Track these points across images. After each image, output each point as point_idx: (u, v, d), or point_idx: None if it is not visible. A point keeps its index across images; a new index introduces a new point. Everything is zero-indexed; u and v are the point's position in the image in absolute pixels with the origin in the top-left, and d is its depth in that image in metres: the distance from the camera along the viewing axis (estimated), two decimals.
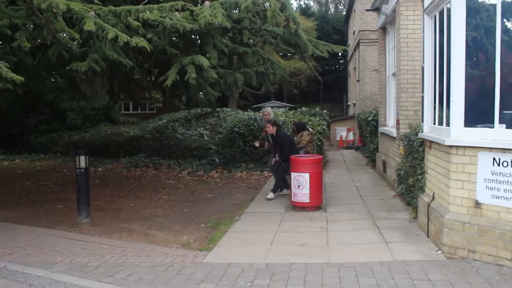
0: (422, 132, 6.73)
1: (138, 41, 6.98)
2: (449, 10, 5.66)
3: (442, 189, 5.71)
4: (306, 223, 7.23)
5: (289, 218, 7.58)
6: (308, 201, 7.92)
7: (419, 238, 6.17)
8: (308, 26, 30.86)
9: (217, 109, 16.49)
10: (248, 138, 13.61)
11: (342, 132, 22.06)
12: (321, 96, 38.52)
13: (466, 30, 5.46)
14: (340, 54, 34.61)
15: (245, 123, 13.82)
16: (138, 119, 24.86)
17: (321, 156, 9.06)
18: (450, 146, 5.33)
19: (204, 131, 16.88)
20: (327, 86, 37.81)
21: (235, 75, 10.18)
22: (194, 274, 5.07)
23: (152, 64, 11.26)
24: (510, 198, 4.91)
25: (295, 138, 10.19)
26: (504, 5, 5.16)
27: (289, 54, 28.04)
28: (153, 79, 12.61)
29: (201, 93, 11.29)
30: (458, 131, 5.38)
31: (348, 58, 29.03)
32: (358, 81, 22.39)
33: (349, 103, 28.96)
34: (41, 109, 20.23)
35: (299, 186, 7.95)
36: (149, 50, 7.46)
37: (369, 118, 13.79)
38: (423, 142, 6.74)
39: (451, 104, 5.46)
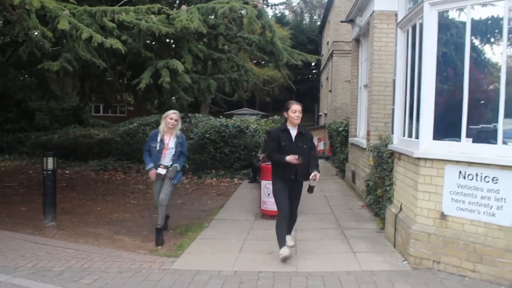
0: (392, 143, 6.84)
1: (113, 42, 6.90)
2: (421, 25, 5.79)
3: (409, 200, 5.81)
4: (275, 231, 7.22)
5: (258, 226, 7.59)
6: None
7: (386, 249, 6.25)
8: (283, 35, 31.00)
9: (189, 115, 16.40)
10: (219, 145, 13.60)
11: None
12: None
13: (437, 46, 5.60)
14: (313, 64, 34.96)
15: (217, 129, 13.81)
16: (109, 121, 24.53)
17: None
18: (419, 158, 5.44)
19: None
20: (299, 95, 37.93)
21: (208, 81, 10.14)
22: (161, 281, 5.02)
23: (126, 67, 11.13)
24: (474, 210, 5.03)
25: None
26: (473, 23, 5.30)
27: (263, 62, 28.17)
28: (125, 82, 12.47)
29: (173, 97, 11.22)
30: (426, 144, 5.49)
31: (321, 68, 29.30)
32: (330, 91, 22.61)
33: (320, 113, 29.20)
34: (8, 107, 19.76)
35: (269, 195, 7.94)
36: (123, 52, 7.38)
37: (340, 129, 13.93)
38: (392, 153, 6.85)
39: (421, 117, 5.58)
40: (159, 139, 6.63)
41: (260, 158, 11.32)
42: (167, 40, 9.93)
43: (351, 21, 12.13)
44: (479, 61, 5.83)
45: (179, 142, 6.74)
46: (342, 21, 14.32)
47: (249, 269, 5.44)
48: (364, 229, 7.35)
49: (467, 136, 5.32)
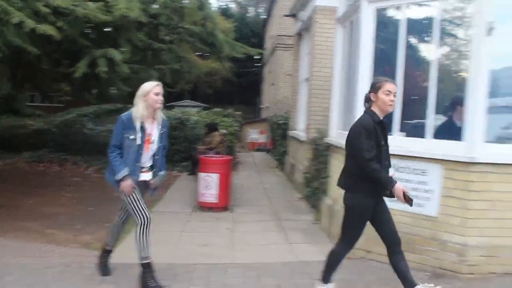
0: (329, 137, 6.97)
1: (46, 28, 6.67)
2: (359, 21, 5.90)
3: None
4: (212, 224, 7.22)
5: (195, 218, 7.54)
6: (216, 201, 7.92)
7: (321, 239, 6.37)
8: (227, 27, 30.92)
9: (130, 106, 16.07)
10: None
11: (254, 134, 22.36)
12: (235, 97, 38.78)
13: (375, 42, 5.74)
14: (257, 57, 35.12)
15: None
16: (46, 111, 23.58)
17: (230, 157, 9.11)
18: None
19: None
20: (242, 88, 38.15)
21: (149, 71, 9.98)
22: (93, 275, 4.87)
23: (62, 54, 10.75)
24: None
25: (207, 139, 10.16)
26: (409, 21, 5.49)
27: (206, 54, 28.01)
28: (62, 70, 12.04)
29: (114, 88, 10.97)
30: None
31: (265, 61, 29.47)
32: (272, 84, 22.78)
33: (262, 106, 29.38)
34: None
35: (207, 186, 7.93)
36: (58, 39, 7.13)
37: (280, 122, 14.06)
38: (328, 146, 6.98)
39: (355, 111, 5.70)
40: (138, 127, 4.40)
41: (199, 150, 11.25)
42: (107, 29, 9.67)
43: (294, 15, 12.23)
44: (414, 59, 6.04)
45: (164, 131, 4.66)
46: (285, 15, 14.40)
47: (185, 261, 5.39)
48: (302, 220, 7.46)
49: (401, 130, 5.49)
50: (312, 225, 7.14)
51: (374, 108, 3.94)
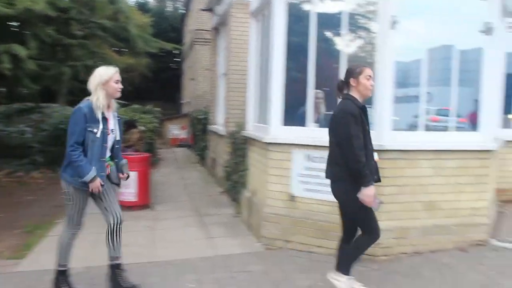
0: (246, 130, 7.03)
1: None
2: (271, 14, 5.97)
3: (261, 184, 6.02)
4: (132, 223, 7.04)
5: None
6: (135, 200, 7.75)
7: (242, 232, 6.42)
8: (145, 22, 30.18)
9: (42, 105, 15.34)
10: None
11: (175, 130, 22.13)
12: (155, 93, 38.07)
13: (288, 35, 5.83)
14: (176, 52, 34.67)
15: None
16: None
17: (149, 154, 8.93)
18: (268, 143, 5.65)
19: (26, 128, 15.54)
20: (162, 83, 37.52)
21: (61, 68, 9.57)
22: (2, 286, 4.61)
23: None
24: (320, 190, 5.34)
25: (125, 136, 9.92)
26: (321, 15, 5.65)
27: (123, 50, 27.26)
28: None
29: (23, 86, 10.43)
30: (276, 130, 5.72)
31: (184, 56, 29.18)
32: (192, 79, 22.61)
33: (183, 101, 29.11)
34: None
35: (125, 185, 7.72)
36: None
37: (200, 117, 14.00)
38: (246, 139, 7.04)
39: (270, 104, 5.79)
40: (100, 118, 4.05)
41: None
42: (11, 23, 9.17)
43: (211, 9, 12.17)
44: (327, 52, 6.21)
45: (119, 118, 4.43)
46: (202, 10, 14.28)
47: (103, 263, 5.18)
48: (222, 214, 7.48)
49: (315, 121, 5.64)
50: (233, 219, 7.18)
51: (354, 94, 3.94)
